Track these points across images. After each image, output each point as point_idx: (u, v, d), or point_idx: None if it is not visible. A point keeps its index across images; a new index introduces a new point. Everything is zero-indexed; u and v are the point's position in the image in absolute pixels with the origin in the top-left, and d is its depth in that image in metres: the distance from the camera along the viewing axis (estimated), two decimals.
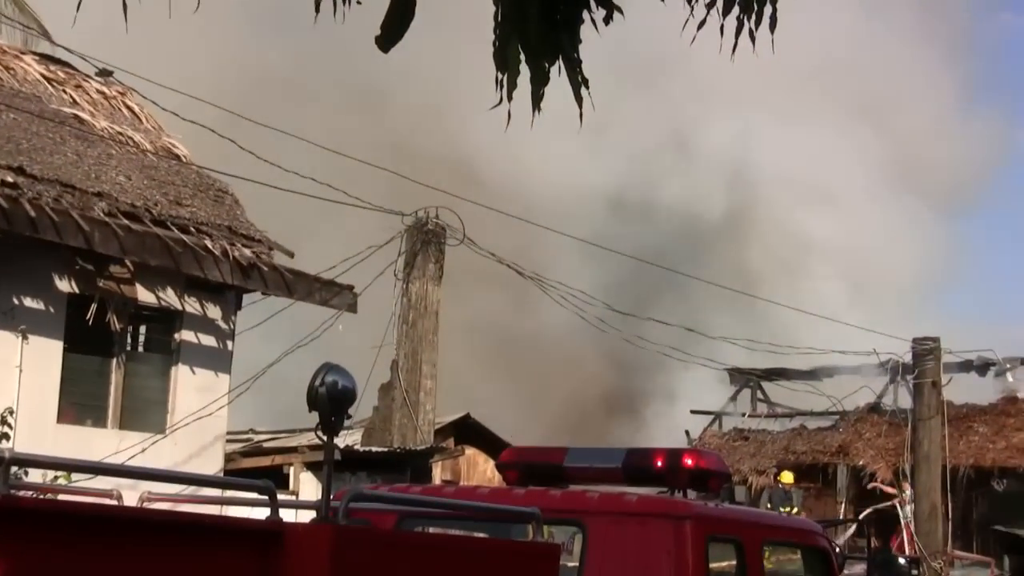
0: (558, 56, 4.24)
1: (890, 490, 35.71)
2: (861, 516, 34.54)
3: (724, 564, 11.34)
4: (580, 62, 4.29)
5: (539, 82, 4.24)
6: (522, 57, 4.19)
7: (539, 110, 4.28)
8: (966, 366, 38.85)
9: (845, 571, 15.48)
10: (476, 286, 34.34)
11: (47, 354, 20.47)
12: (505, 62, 4.16)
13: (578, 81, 4.32)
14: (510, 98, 4.23)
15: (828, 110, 57.63)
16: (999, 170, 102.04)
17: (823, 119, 56.35)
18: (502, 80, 4.19)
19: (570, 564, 10.24)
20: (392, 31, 4.36)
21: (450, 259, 27.92)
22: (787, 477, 34.37)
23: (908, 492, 33.45)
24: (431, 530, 10.40)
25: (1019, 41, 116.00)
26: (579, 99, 4.34)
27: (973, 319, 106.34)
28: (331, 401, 7.75)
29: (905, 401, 35.83)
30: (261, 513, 7.78)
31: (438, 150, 47.36)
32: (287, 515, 7.88)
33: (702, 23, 4.52)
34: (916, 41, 66.98)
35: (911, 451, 34.42)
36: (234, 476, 20.10)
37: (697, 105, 54.62)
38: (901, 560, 18.91)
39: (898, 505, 33.92)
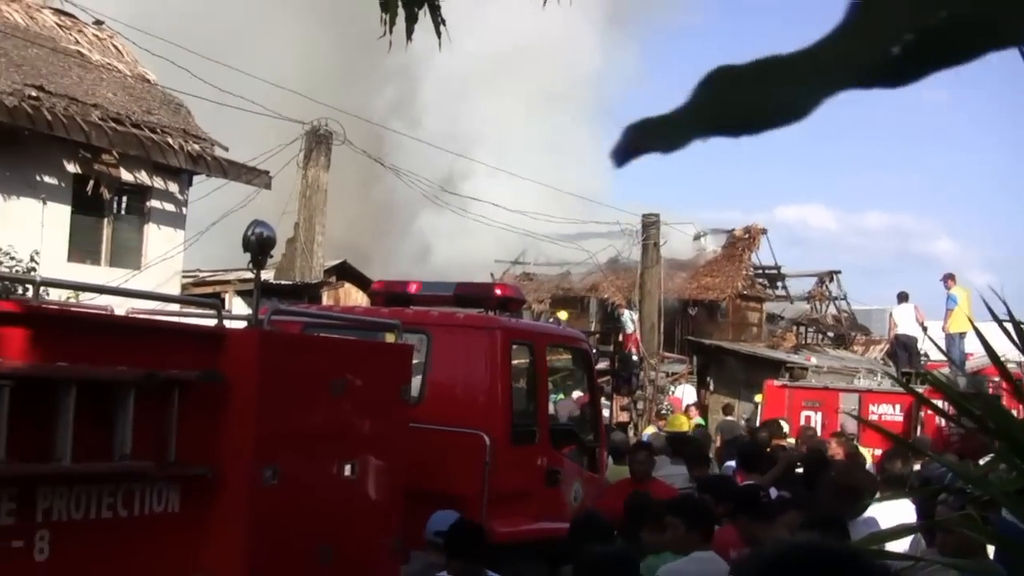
0: (424, 2, 4.13)
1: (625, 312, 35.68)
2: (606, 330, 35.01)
3: (522, 360, 11.40)
4: (439, 7, 4.18)
5: (411, 21, 4.13)
6: (400, 2, 4.09)
7: (410, 40, 4.18)
8: (676, 234, 39.61)
9: (598, 365, 15.67)
10: (354, 172, 33.65)
11: (60, 215, 20.20)
12: (387, 6, 4.06)
13: (437, 21, 4.22)
14: (391, 32, 4.13)
15: None
16: None
17: None
18: (385, 19, 4.09)
19: (418, 360, 10.21)
20: None
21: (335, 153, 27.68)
22: (562, 315, 34.11)
23: (636, 314, 33.70)
24: (325, 335, 10.28)
25: None
26: (439, 33, 4.24)
27: (686, 200, 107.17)
28: (258, 245, 7.60)
29: (636, 256, 36.07)
30: (210, 322, 7.66)
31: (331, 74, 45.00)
32: (227, 324, 7.76)
33: None
34: None
35: (639, 289, 34.87)
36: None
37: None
38: (633, 357, 19.23)
39: (628, 323, 34.10)
